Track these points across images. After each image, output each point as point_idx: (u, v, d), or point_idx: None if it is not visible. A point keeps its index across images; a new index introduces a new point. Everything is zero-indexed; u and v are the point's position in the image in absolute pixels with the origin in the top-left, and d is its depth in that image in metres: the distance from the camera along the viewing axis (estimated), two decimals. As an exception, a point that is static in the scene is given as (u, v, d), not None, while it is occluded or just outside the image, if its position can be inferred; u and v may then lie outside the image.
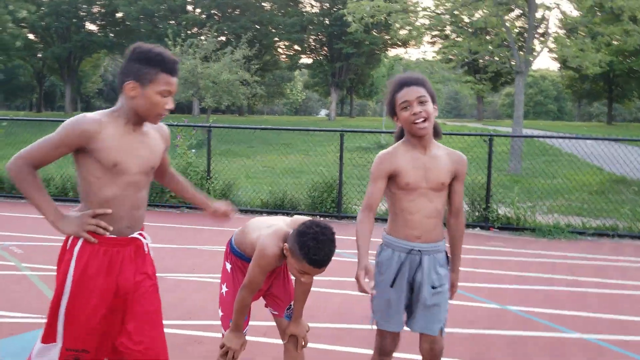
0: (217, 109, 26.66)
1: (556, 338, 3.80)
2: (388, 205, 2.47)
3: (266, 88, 56.10)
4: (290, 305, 2.61)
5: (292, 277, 2.62)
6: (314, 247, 2.18)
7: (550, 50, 19.81)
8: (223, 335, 2.53)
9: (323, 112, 76.54)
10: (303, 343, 2.60)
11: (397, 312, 2.44)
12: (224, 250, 2.63)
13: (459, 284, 2.66)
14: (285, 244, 2.30)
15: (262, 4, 40.60)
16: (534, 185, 11.71)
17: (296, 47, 42.05)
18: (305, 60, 44.79)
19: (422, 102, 2.32)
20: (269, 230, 2.38)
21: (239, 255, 2.54)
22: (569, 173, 11.91)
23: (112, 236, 2.07)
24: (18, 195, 8.72)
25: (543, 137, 10.06)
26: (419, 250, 2.40)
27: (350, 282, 4.14)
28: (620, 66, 37.54)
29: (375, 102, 24.03)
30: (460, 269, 2.64)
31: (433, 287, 2.41)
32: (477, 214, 7.84)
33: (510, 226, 7.66)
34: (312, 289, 2.55)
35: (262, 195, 8.69)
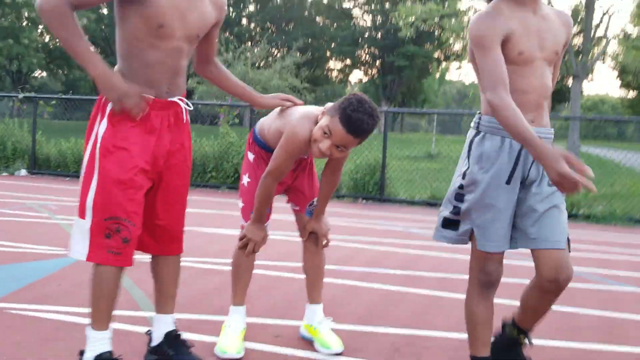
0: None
1: (613, 291, 3.47)
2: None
3: (317, 103, 56.52)
4: (313, 201, 2.43)
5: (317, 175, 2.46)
6: (355, 113, 2.00)
7: (610, 56, 19.00)
8: (243, 227, 2.38)
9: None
10: (324, 241, 2.41)
11: (507, 224, 1.87)
12: (246, 141, 2.49)
13: None
14: (324, 110, 2.13)
15: (316, 18, 41.04)
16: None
17: (348, 61, 42.20)
18: (357, 74, 44.89)
19: None
20: (299, 114, 2.22)
21: (262, 145, 2.37)
22: (628, 181, 11.31)
23: (151, 97, 1.91)
24: (63, 173, 8.92)
25: (601, 118, 9.50)
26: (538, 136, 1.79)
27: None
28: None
29: (427, 123, 23.72)
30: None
31: (549, 185, 1.85)
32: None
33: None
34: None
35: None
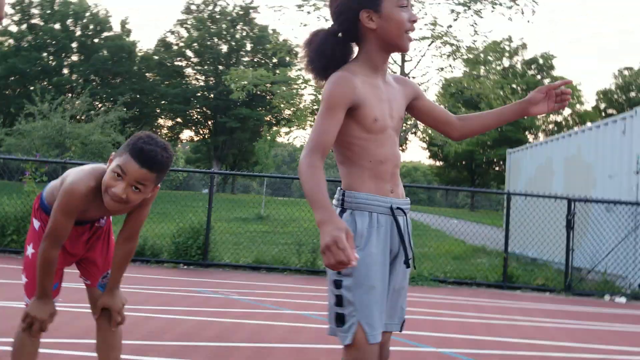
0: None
1: (413, 352, 3.67)
2: (342, 156, 1.76)
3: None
4: (107, 273, 2.23)
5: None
6: (147, 145, 1.93)
7: (420, 132, 21.21)
8: (27, 305, 2.09)
9: (205, 191, 75.74)
10: (119, 318, 2.21)
11: (381, 301, 1.69)
12: (32, 207, 2.23)
13: None
14: (111, 155, 2.00)
15: (146, 74, 40.11)
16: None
17: (179, 119, 41.61)
18: (188, 133, 44.35)
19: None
20: (79, 169, 2.05)
21: (49, 212, 2.14)
22: (436, 244, 12.47)
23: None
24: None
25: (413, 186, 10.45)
26: (399, 208, 1.74)
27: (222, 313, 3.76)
28: (480, 156, 41.33)
29: (259, 184, 24.06)
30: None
31: (405, 261, 1.75)
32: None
33: None
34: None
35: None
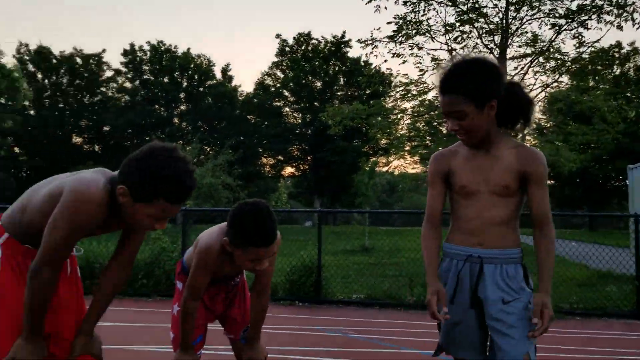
0: (200, 220, 26.48)
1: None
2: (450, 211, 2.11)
3: (251, 197, 56.42)
4: (247, 327, 2.35)
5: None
6: (253, 225, 1.99)
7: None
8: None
9: (308, 223, 77.10)
10: None
11: (466, 334, 2.01)
12: (175, 272, 2.42)
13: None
14: (225, 238, 2.10)
15: (247, 116, 41.99)
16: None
17: (280, 157, 42.98)
18: (289, 169, 45.60)
19: (456, 117, 1.93)
20: (211, 229, 2.20)
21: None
22: (557, 269, 11.79)
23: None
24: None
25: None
26: (479, 257, 1.98)
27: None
28: (596, 172, 38.71)
29: (359, 215, 24.29)
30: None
31: (503, 302, 1.94)
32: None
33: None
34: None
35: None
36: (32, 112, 38.50)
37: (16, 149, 39.44)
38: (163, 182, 1.69)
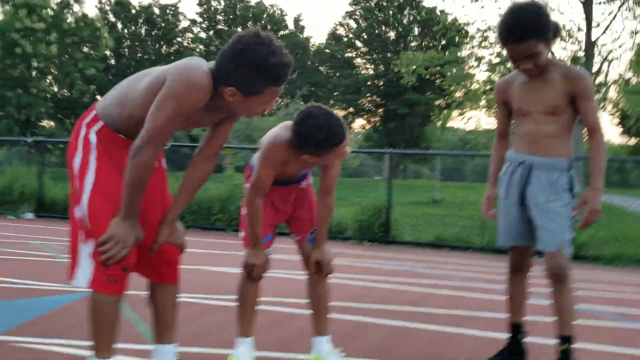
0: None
1: (623, 329, 3.38)
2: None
3: (320, 150, 56.82)
4: (314, 230, 2.42)
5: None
6: (320, 133, 2.06)
7: (610, 102, 19.18)
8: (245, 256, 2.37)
9: (378, 177, 76.98)
10: (328, 269, 2.40)
11: (510, 225, 2.42)
12: (244, 174, 2.51)
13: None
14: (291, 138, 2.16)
15: (320, 67, 41.85)
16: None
17: (351, 108, 42.78)
18: (360, 121, 45.38)
19: (531, 58, 2.21)
20: (277, 127, 2.28)
21: None
22: (637, 226, 11.25)
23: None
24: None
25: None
26: (530, 163, 2.35)
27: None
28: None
29: (430, 170, 23.84)
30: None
31: (545, 202, 2.31)
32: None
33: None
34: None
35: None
36: (112, 61, 40.03)
37: (98, 97, 41.30)
38: (268, 72, 1.76)
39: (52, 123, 40.54)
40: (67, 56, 30.18)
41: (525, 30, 2.15)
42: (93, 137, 1.91)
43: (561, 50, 15.72)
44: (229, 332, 2.83)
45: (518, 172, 2.38)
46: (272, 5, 41.96)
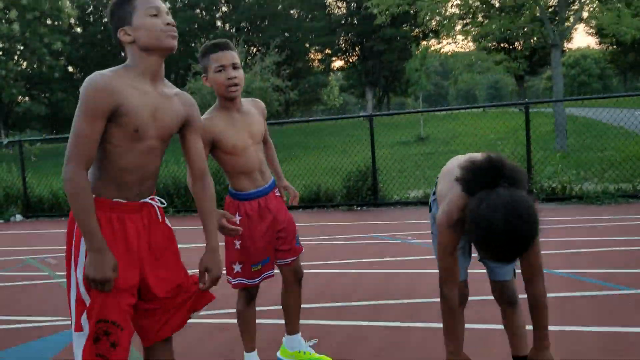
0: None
1: (607, 296, 3.51)
2: None
3: (302, 95, 56.30)
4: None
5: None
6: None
7: (585, 21, 18.92)
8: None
9: (362, 114, 76.31)
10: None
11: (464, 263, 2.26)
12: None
13: None
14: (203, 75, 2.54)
15: (291, 11, 40.79)
16: (582, 160, 11.21)
17: (327, 50, 42.02)
18: (338, 62, 44.74)
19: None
20: None
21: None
22: (619, 144, 11.37)
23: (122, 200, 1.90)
24: (57, 214, 8.92)
25: (581, 98, 9.50)
26: None
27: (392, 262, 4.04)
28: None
29: (414, 99, 23.62)
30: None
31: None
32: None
33: (555, 197, 7.29)
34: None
35: (297, 189, 8.54)
36: (79, 29, 38.83)
37: (70, 69, 40.35)
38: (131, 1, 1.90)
39: (27, 99, 39.72)
40: (30, 33, 29.22)
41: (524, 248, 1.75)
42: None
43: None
44: (229, 303, 2.92)
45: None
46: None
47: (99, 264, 1.78)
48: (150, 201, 1.97)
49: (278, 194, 2.71)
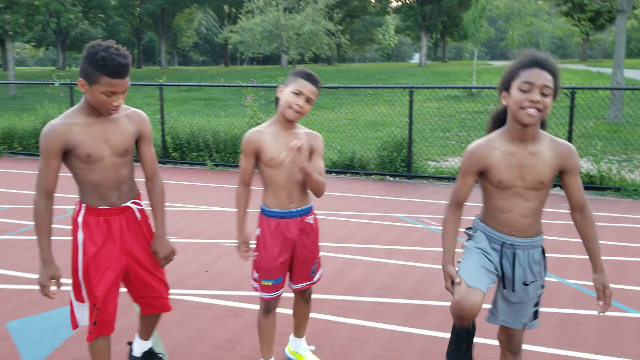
0: (301, 60, 26.48)
1: (614, 318, 3.51)
2: (482, 197, 2.32)
3: (355, 35, 54.95)
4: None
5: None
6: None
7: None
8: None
9: (417, 57, 74.49)
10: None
11: (485, 276, 2.21)
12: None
13: None
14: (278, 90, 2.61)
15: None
16: (634, 135, 10.80)
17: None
18: (395, 2, 43.32)
19: (544, 94, 2.05)
20: None
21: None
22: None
23: (106, 207, 2.37)
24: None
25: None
26: (512, 245, 2.23)
27: (423, 252, 4.21)
28: None
29: (474, 44, 22.61)
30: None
31: (525, 284, 2.26)
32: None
33: (592, 185, 7.14)
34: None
35: (332, 155, 8.65)
36: None
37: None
38: (98, 62, 2.15)
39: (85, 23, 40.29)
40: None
41: (551, 64, 2.07)
42: (80, 219, 2.42)
43: None
44: (243, 285, 3.13)
45: (505, 255, 2.26)
46: None
47: (41, 272, 2.32)
48: (131, 204, 2.43)
49: (311, 221, 2.71)
